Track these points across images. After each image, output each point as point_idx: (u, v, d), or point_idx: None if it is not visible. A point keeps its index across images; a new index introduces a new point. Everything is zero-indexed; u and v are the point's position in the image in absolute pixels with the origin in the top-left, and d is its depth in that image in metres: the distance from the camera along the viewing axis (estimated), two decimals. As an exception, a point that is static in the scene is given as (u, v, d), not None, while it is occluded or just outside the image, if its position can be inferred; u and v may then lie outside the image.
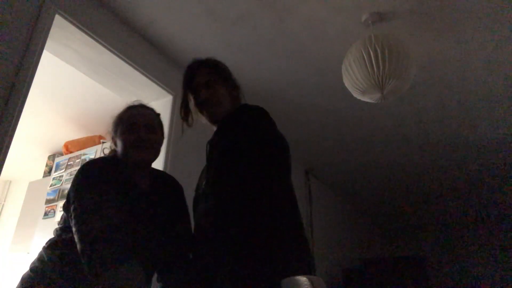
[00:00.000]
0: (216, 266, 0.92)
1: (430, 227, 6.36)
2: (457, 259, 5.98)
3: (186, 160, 2.42)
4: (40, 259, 1.10)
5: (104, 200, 0.98)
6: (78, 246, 0.92)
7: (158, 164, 2.21)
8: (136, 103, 1.29)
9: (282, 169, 0.98)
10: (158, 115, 1.32)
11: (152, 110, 1.30)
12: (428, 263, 5.26)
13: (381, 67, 1.85)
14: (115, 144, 1.23)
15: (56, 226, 1.18)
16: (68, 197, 1.08)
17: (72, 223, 0.98)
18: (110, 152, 1.27)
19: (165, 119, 2.34)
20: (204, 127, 2.66)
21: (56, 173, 3.05)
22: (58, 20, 1.77)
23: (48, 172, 3.38)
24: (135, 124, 1.20)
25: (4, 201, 3.96)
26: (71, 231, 0.99)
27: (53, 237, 1.14)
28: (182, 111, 1.26)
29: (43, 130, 3.25)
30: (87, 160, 1.21)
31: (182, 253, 1.20)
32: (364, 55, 1.89)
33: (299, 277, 0.74)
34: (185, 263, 1.18)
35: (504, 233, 5.73)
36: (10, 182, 4.05)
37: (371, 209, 5.63)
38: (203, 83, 1.19)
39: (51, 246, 1.11)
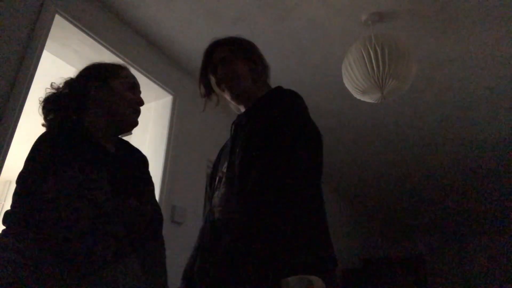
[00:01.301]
0: (231, 257, 0.85)
1: (430, 227, 6.36)
2: (457, 259, 5.98)
3: (186, 160, 2.42)
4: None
5: (89, 179, 0.82)
6: (58, 238, 0.76)
7: (158, 162, 2.21)
8: (124, 65, 1.16)
9: (317, 164, 0.92)
10: None
11: None
12: (428, 263, 5.26)
13: (381, 67, 1.85)
14: (96, 86, 1.03)
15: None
16: (30, 170, 0.87)
17: (45, 206, 0.79)
18: (64, 87, 1.06)
19: (165, 119, 2.35)
20: (205, 125, 2.66)
21: (56, 173, 3.04)
22: (58, 20, 1.77)
23: (48, 172, 3.37)
24: (136, 85, 1.10)
25: (4, 201, 3.96)
26: (39, 216, 0.80)
27: (11, 221, 0.87)
28: (202, 89, 1.17)
29: (43, 130, 3.24)
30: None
31: (157, 224, 1.06)
32: (364, 55, 1.89)
33: (300, 276, 0.73)
34: (160, 236, 1.05)
35: (504, 233, 5.73)
36: (10, 182, 4.05)
37: (371, 209, 5.63)
38: (219, 60, 1.12)
39: (13, 233, 0.84)
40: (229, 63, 1.10)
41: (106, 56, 2.06)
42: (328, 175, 4.34)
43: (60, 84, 1.08)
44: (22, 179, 0.88)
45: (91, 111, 1.02)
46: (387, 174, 4.33)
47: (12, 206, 0.89)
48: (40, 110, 1.06)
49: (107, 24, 2.05)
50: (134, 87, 1.09)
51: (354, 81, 1.97)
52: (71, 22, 1.83)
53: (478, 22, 2.11)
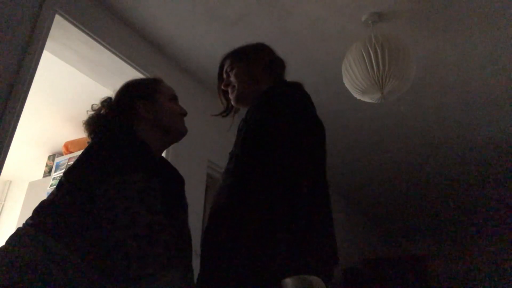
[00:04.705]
0: (223, 251, 0.85)
1: (430, 227, 6.36)
2: (456, 259, 5.98)
3: (186, 160, 2.42)
4: (32, 245, 0.79)
5: (149, 188, 0.82)
6: (112, 239, 0.76)
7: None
8: (159, 78, 1.20)
9: (308, 158, 0.91)
10: None
11: None
12: (428, 263, 5.26)
13: (381, 67, 1.85)
14: (146, 110, 1.04)
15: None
16: (90, 167, 0.87)
17: (103, 205, 0.79)
18: (107, 110, 1.07)
19: (165, 119, 2.35)
20: (205, 125, 2.66)
21: (56, 173, 3.05)
22: (58, 20, 1.77)
23: (48, 172, 3.38)
24: (176, 96, 1.15)
25: (4, 201, 3.95)
26: (86, 214, 0.80)
27: (47, 213, 0.85)
28: (223, 101, 1.27)
29: (43, 130, 3.25)
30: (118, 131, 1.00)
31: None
32: (364, 55, 1.89)
33: (299, 277, 0.73)
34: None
35: (505, 233, 5.73)
36: (10, 182, 4.05)
37: (371, 209, 5.63)
38: (225, 73, 1.21)
39: (45, 227, 0.82)
40: (228, 75, 1.18)
41: (106, 56, 2.06)
42: (327, 175, 4.33)
43: (99, 105, 1.10)
44: (78, 175, 0.87)
45: (141, 128, 1.04)
46: (387, 174, 4.33)
47: (53, 199, 0.87)
48: (86, 134, 1.06)
49: (107, 24, 2.05)
50: (175, 98, 1.13)
51: (354, 81, 1.97)
52: (71, 22, 1.83)
53: (478, 22, 2.11)
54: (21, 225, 0.87)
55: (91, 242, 0.79)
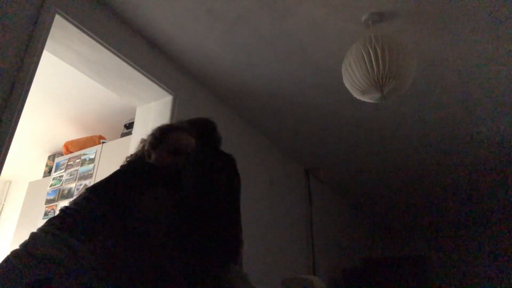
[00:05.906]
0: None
1: (430, 227, 6.36)
2: (457, 259, 5.98)
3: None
4: (62, 248, 0.91)
5: (172, 198, 1.09)
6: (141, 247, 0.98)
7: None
8: (182, 125, 1.42)
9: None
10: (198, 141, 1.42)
11: (193, 138, 1.39)
12: (428, 263, 5.26)
13: (381, 67, 1.85)
14: (147, 155, 1.31)
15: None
16: (121, 182, 1.10)
17: (137, 215, 1.00)
18: (135, 155, 1.37)
19: (165, 119, 2.35)
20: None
21: (56, 173, 3.05)
22: (58, 20, 1.77)
23: (48, 172, 3.38)
24: (177, 150, 1.29)
25: (4, 201, 3.96)
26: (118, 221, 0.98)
27: (85, 219, 0.98)
28: None
29: (43, 130, 3.25)
30: (126, 162, 1.37)
31: None
32: (364, 55, 1.89)
33: (299, 276, 0.74)
34: None
35: (505, 233, 5.73)
36: (10, 182, 4.05)
37: (371, 209, 5.63)
38: None
39: (82, 233, 0.94)
40: None
41: (106, 56, 2.06)
42: (328, 175, 4.34)
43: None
44: (106, 192, 1.06)
45: None
46: (387, 173, 4.33)
47: (81, 209, 1.01)
48: None
49: (107, 24, 2.05)
50: (175, 152, 1.28)
51: (354, 81, 1.97)
52: (71, 22, 1.83)
53: (478, 21, 2.11)
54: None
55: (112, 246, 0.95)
